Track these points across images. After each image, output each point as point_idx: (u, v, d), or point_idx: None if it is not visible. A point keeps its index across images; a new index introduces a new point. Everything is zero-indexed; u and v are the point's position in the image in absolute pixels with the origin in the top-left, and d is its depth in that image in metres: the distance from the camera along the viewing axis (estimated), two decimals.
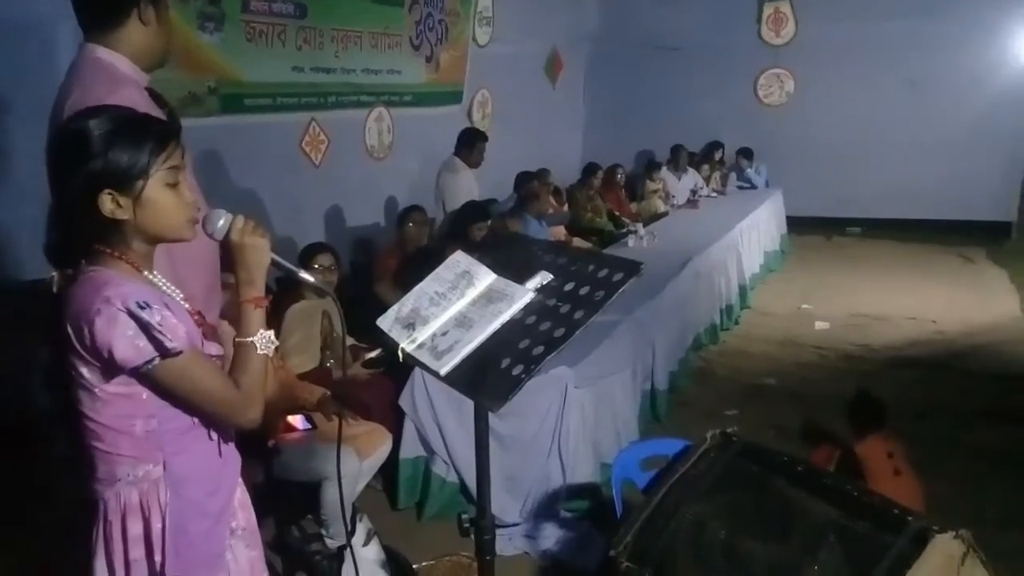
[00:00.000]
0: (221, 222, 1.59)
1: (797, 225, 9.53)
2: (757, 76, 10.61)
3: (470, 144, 6.07)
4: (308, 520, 3.33)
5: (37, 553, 3.15)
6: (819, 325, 6.57)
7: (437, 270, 1.95)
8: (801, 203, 9.45)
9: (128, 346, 1.39)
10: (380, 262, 4.99)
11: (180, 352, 1.43)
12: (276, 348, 1.65)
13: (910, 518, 2.04)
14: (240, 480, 1.73)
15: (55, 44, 3.43)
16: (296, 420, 3.32)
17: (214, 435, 1.60)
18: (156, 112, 2.05)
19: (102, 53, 2.08)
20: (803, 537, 2.19)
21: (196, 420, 1.56)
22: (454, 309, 1.83)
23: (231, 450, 1.67)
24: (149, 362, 1.42)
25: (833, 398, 4.69)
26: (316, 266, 3.79)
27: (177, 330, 1.43)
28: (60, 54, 2.16)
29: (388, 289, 4.50)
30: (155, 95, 2.23)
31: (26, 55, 3.92)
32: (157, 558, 1.52)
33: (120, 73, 2.06)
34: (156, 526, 1.52)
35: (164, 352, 1.41)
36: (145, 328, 1.40)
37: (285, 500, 3.18)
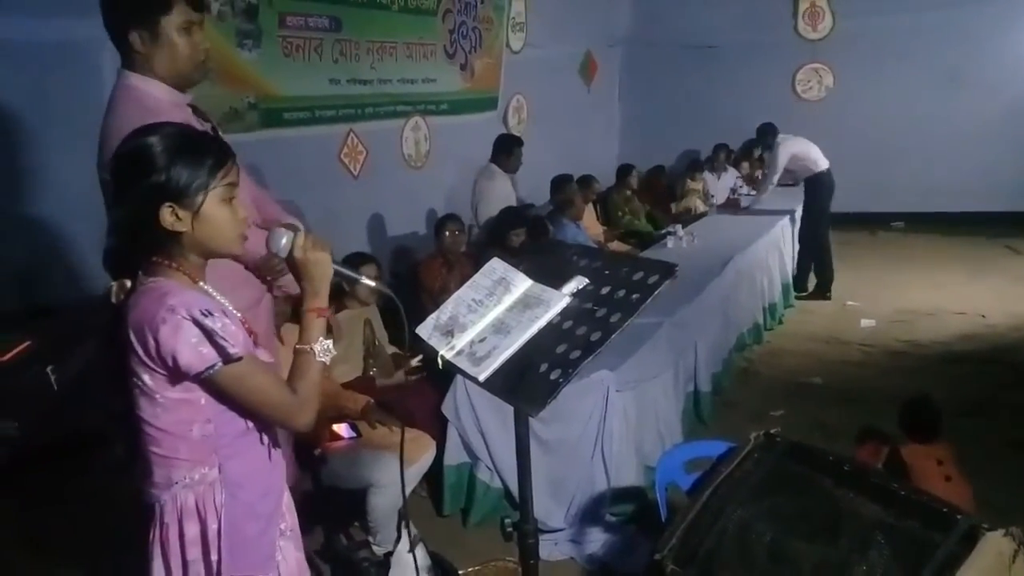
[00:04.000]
0: (284, 240, 1.66)
1: (839, 221, 9.35)
2: (795, 71, 10.49)
3: (507, 149, 6.10)
4: (355, 527, 3.37)
5: (97, 557, 3.23)
6: (865, 322, 6.47)
7: (474, 277, 1.97)
8: (843, 198, 9.23)
9: (192, 352, 1.45)
10: (424, 272, 5.03)
11: (241, 358, 1.49)
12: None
13: (959, 516, 2.01)
14: (286, 483, 1.78)
15: (99, 67, 3.52)
16: (341, 428, 3.37)
17: (265, 439, 1.65)
18: (202, 128, 2.10)
19: (132, 79, 2.13)
20: (851, 537, 2.16)
21: (250, 425, 1.62)
22: (491, 315, 1.84)
23: (279, 455, 1.72)
24: (211, 367, 1.47)
25: (881, 396, 4.64)
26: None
27: (237, 336, 1.49)
28: (104, 76, 2.23)
29: (434, 299, 4.52)
30: (199, 112, 2.28)
31: (72, 77, 4.04)
32: (213, 558, 1.57)
33: (152, 98, 2.10)
34: (212, 527, 1.57)
35: (227, 358, 1.47)
36: (209, 335, 1.45)
37: (332, 508, 3.23)
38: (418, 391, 3.82)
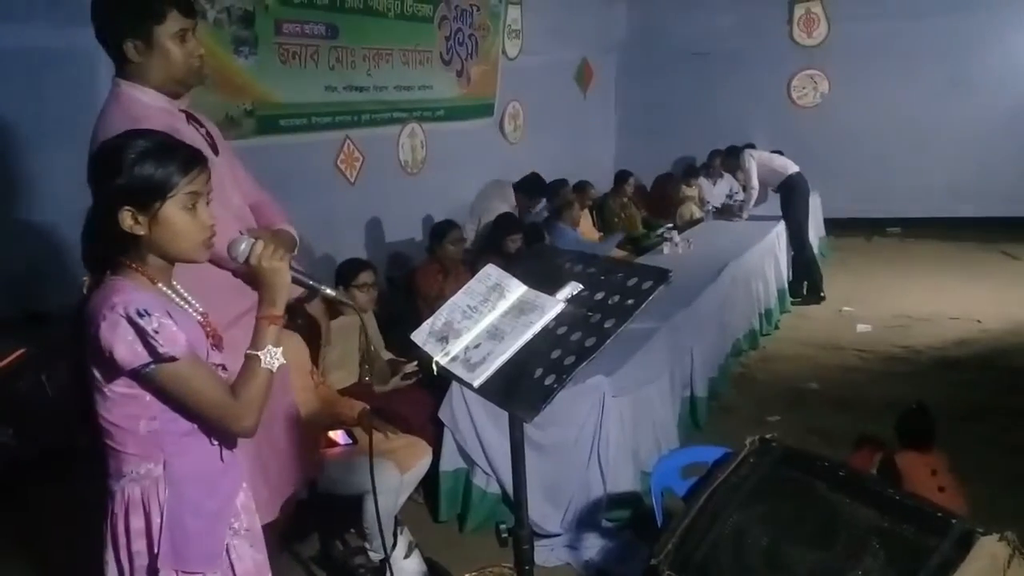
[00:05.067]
0: (243, 246, 1.71)
1: (835, 227, 9.42)
2: (790, 78, 10.53)
3: (533, 193, 6.36)
4: (351, 534, 3.37)
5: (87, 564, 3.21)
6: (861, 328, 6.48)
7: (469, 283, 1.97)
8: (839, 204, 9.33)
9: (127, 349, 1.50)
10: (421, 278, 5.03)
11: (174, 358, 1.52)
12: (313, 365, 1.72)
13: (954, 521, 2.02)
14: (244, 486, 1.80)
15: (96, 73, 3.53)
16: (337, 435, 3.37)
17: (215, 441, 1.69)
18: (195, 138, 2.10)
19: (124, 87, 2.14)
20: (846, 543, 2.17)
21: (196, 425, 1.65)
22: (486, 321, 1.85)
23: (233, 456, 1.75)
24: (145, 365, 1.51)
25: (877, 401, 4.65)
26: (360, 283, 3.86)
27: (175, 338, 1.52)
28: (100, 84, 2.23)
29: (430, 305, 4.52)
30: (193, 118, 2.28)
31: (68, 85, 4.04)
32: (156, 550, 1.61)
33: (142, 105, 2.10)
34: (155, 521, 1.62)
35: (158, 357, 1.51)
36: (141, 334, 1.49)
37: (329, 514, 3.23)
38: (414, 397, 3.82)
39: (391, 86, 6.78)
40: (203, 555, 1.66)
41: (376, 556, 3.12)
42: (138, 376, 1.54)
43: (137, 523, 1.62)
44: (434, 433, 3.59)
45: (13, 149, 4.02)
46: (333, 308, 3.80)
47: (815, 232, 8.51)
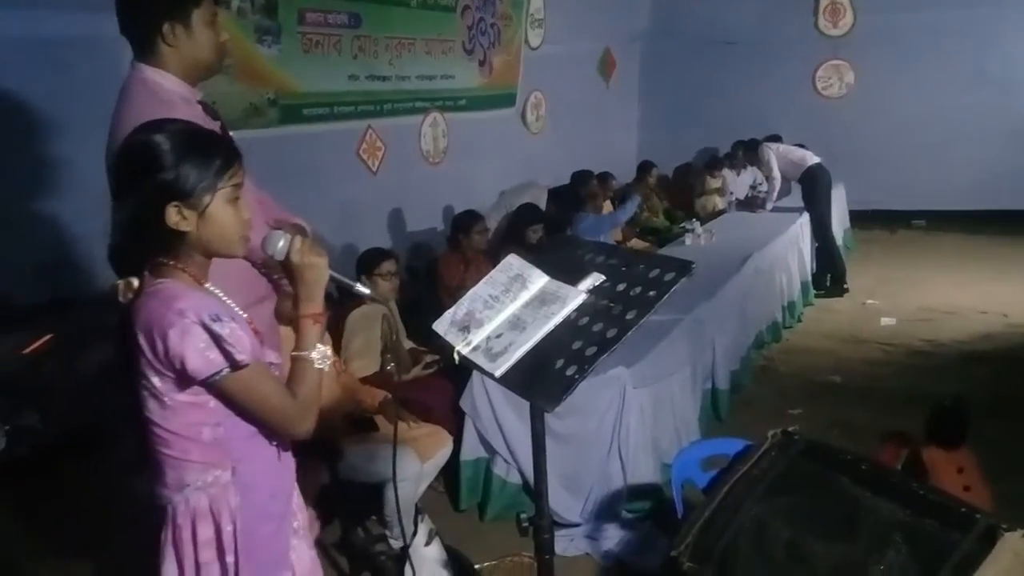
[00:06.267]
0: (281, 243, 1.64)
1: (860, 219, 9.33)
2: (815, 68, 10.40)
3: (572, 205, 6.38)
4: (372, 521, 3.39)
5: (105, 555, 3.26)
6: (885, 321, 6.42)
7: (491, 273, 1.97)
8: (864, 197, 9.23)
9: (200, 357, 1.44)
10: (443, 268, 5.05)
11: (247, 364, 1.48)
12: (335, 355, 1.70)
13: (978, 516, 2.00)
14: (295, 482, 1.78)
15: (119, 61, 3.56)
16: None
17: (274, 440, 1.65)
18: (211, 126, 2.10)
19: (148, 72, 2.13)
20: (869, 537, 2.15)
21: (257, 428, 1.61)
22: (508, 312, 1.85)
23: (288, 455, 1.71)
24: (218, 373, 1.46)
25: (901, 395, 4.61)
26: (383, 272, 3.88)
27: (244, 342, 1.47)
28: (119, 71, 2.24)
29: (451, 295, 4.54)
30: (208, 108, 2.29)
31: (91, 71, 4.06)
32: (229, 559, 1.56)
33: (166, 91, 2.11)
34: (227, 529, 1.56)
35: (234, 364, 1.46)
36: (217, 340, 1.44)
37: (350, 502, 3.25)
38: (436, 386, 3.84)
39: (413, 75, 6.79)
40: (274, 559, 1.65)
41: (396, 544, 3.14)
42: (209, 384, 1.49)
43: (205, 533, 1.56)
44: (455, 422, 3.61)
45: (39, 137, 4.06)
46: (351, 296, 3.81)
47: (839, 224, 8.44)
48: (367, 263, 3.96)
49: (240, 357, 1.46)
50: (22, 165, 4.08)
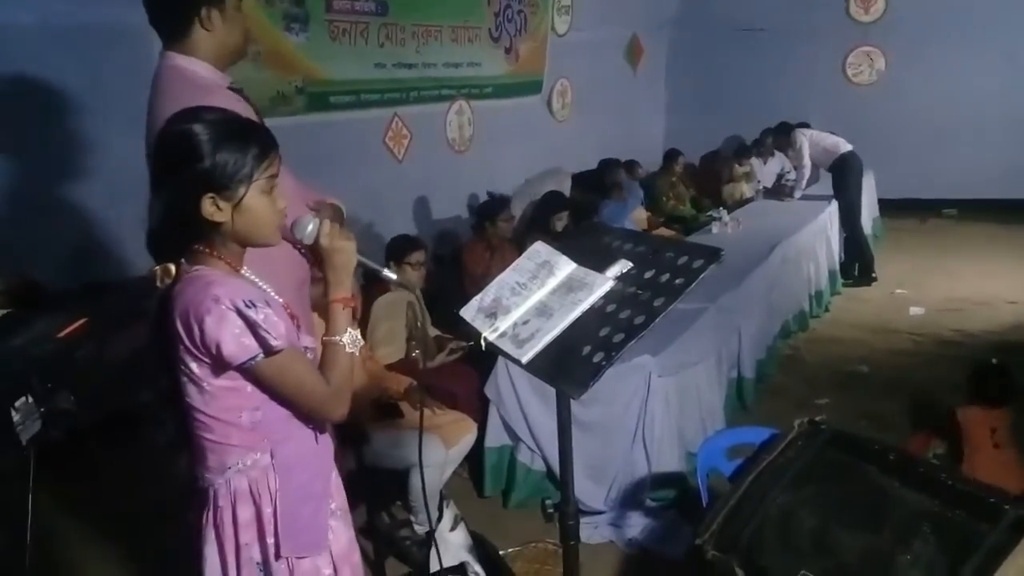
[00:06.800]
0: (310, 228, 1.65)
1: (890, 208, 9.21)
2: (846, 55, 10.27)
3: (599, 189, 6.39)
4: (398, 506, 3.42)
5: (145, 537, 3.32)
6: (913, 311, 6.35)
7: (518, 260, 1.97)
8: (894, 185, 9.10)
9: (235, 343, 1.46)
10: (469, 256, 5.05)
11: (282, 349, 1.49)
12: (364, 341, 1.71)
13: (1007, 507, 1.98)
14: (334, 464, 1.80)
15: (148, 49, 3.60)
16: None
17: (310, 423, 1.67)
18: (248, 113, 2.11)
19: (180, 60, 2.14)
20: (896, 527, 2.14)
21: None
22: (535, 298, 1.85)
23: (326, 436, 1.74)
24: (253, 358, 1.48)
25: (930, 386, 4.56)
26: (412, 262, 3.90)
27: (279, 327, 1.49)
28: (151, 59, 2.26)
29: (477, 283, 4.54)
30: (241, 94, 2.30)
31: (119, 59, 4.11)
32: (269, 540, 1.59)
33: (200, 78, 2.12)
34: (267, 510, 1.59)
35: (268, 349, 1.48)
36: (252, 326, 1.46)
37: (376, 487, 3.27)
38: (461, 373, 3.85)
39: (440, 63, 6.78)
40: (313, 540, 1.66)
41: (421, 529, 3.17)
42: (244, 370, 1.51)
43: (245, 514, 1.59)
44: (480, 409, 3.62)
45: (71, 125, 4.11)
46: (382, 285, 3.84)
47: (868, 213, 8.35)
48: (397, 251, 3.98)
49: (274, 343, 1.47)
50: (55, 153, 4.14)
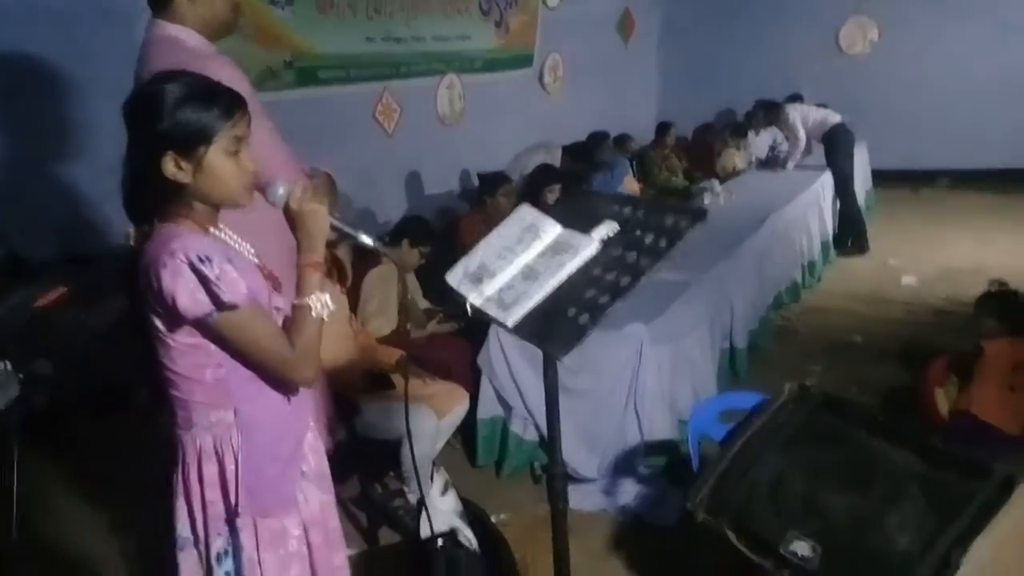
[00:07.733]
0: (280, 191, 1.65)
1: (883, 179, 9.19)
2: (839, 26, 10.22)
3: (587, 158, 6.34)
4: (391, 477, 3.43)
5: (132, 505, 3.32)
6: (905, 280, 6.36)
7: (503, 224, 1.96)
8: (886, 156, 9.08)
9: (189, 297, 1.45)
10: (465, 228, 5.03)
11: (236, 306, 1.48)
12: (351, 313, 1.70)
13: (996, 466, 1.99)
14: (312, 426, 1.79)
15: (136, 25, 3.59)
16: None
17: (279, 384, 1.66)
18: (241, 80, 2.09)
19: (169, 28, 2.13)
20: (884, 487, 2.15)
21: None
22: (520, 262, 1.84)
23: (300, 399, 1.72)
24: (207, 314, 1.48)
25: (923, 354, 4.56)
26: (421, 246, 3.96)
27: (236, 284, 1.48)
28: (138, 35, 2.25)
29: None
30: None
31: (108, 36, 4.08)
32: (232, 498, 1.60)
33: (188, 46, 2.11)
34: (230, 468, 1.60)
35: (220, 305, 1.47)
36: (204, 281, 1.45)
37: (368, 458, 3.28)
38: (453, 344, 3.85)
39: (429, 37, 6.73)
40: (279, 500, 1.67)
41: (414, 498, 3.18)
42: (200, 325, 1.51)
43: (210, 471, 1.60)
44: (472, 381, 3.62)
45: (56, 99, 4.09)
46: (374, 258, 3.82)
47: (861, 184, 8.33)
48: (408, 231, 3.99)
49: (226, 298, 1.46)
50: (38, 128, 4.13)
